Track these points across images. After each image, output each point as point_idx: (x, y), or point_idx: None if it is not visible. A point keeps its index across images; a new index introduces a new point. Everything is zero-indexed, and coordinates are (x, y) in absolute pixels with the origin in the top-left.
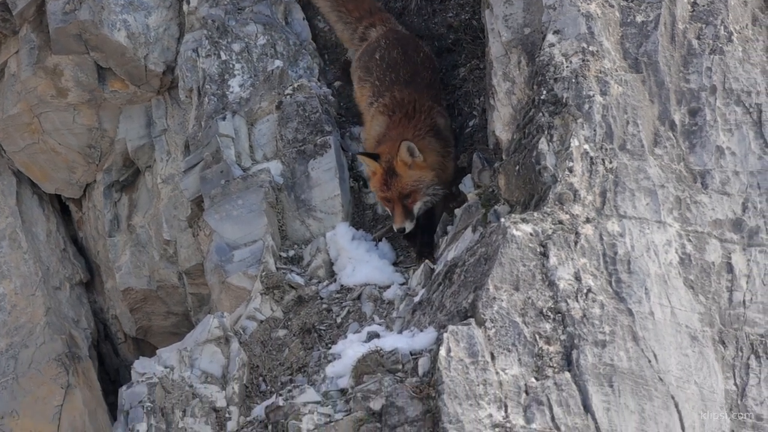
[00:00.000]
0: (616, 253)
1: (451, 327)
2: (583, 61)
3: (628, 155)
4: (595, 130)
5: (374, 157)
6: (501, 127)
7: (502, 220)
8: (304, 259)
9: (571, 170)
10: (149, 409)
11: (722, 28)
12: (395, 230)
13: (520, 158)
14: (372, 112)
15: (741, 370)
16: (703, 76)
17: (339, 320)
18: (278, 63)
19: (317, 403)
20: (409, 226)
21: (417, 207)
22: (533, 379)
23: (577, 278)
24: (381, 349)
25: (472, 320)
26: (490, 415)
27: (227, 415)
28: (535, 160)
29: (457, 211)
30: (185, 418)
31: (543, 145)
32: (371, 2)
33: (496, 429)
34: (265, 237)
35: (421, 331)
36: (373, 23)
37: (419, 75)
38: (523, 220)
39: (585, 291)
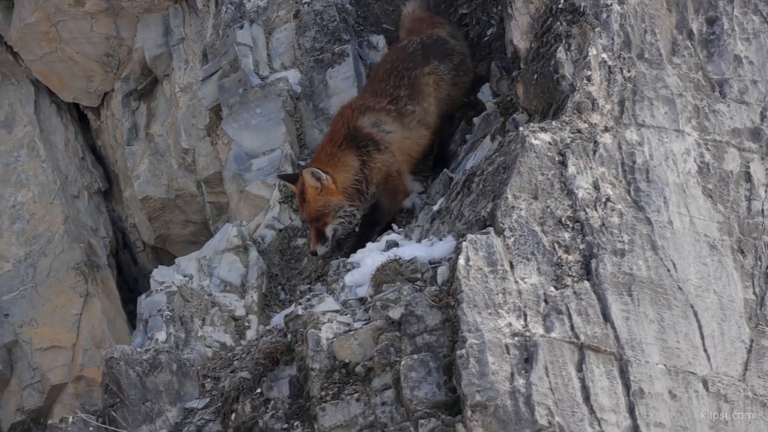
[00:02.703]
0: (634, 162)
1: (470, 236)
2: None
3: (646, 64)
4: (612, 39)
5: (294, 179)
6: (519, 35)
7: (521, 128)
8: None
9: (589, 79)
10: (168, 317)
11: None
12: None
13: (538, 67)
14: None
15: (760, 279)
16: None
17: (357, 228)
18: None
19: (336, 311)
20: (321, 250)
21: (329, 230)
22: (552, 288)
23: (596, 187)
24: (400, 258)
25: (491, 229)
26: (510, 324)
27: (246, 324)
28: (553, 68)
29: (476, 120)
30: (204, 326)
31: (561, 54)
32: (431, 19)
33: (516, 338)
34: (284, 146)
35: (440, 239)
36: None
37: (373, 78)
38: (542, 129)
39: (604, 200)
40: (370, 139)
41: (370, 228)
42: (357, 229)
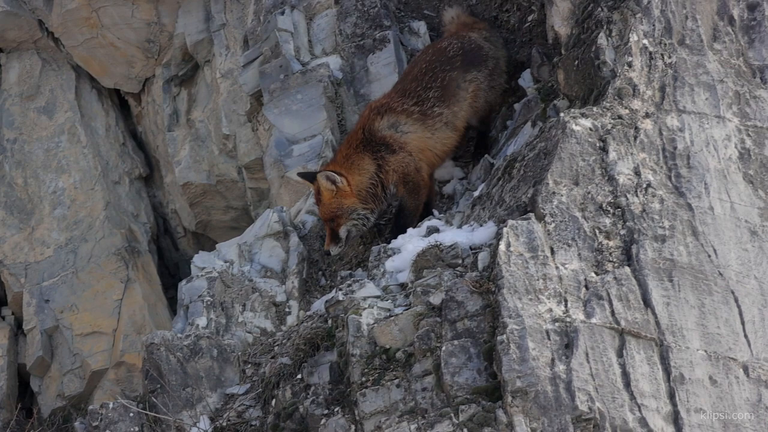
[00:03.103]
0: (675, 148)
1: (510, 221)
2: None
3: (687, 50)
4: (654, 25)
5: (312, 177)
6: (560, 21)
7: (562, 114)
8: None
9: (630, 65)
10: (209, 303)
11: None
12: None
13: (579, 53)
14: None
15: None
16: None
17: (383, 226)
18: None
19: (377, 297)
20: (334, 250)
21: (343, 231)
22: (593, 274)
23: (637, 173)
24: (440, 244)
25: (531, 215)
26: (550, 310)
27: (287, 310)
28: (594, 55)
29: (516, 106)
30: (245, 312)
31: (602, 40)
32: (473, 24)
33: (556, 323)
34: (324, 131)
35: (481, 225)
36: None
37: (405, 76)
38: (583, 115)
39: (644, 186)
40: (383, 143)
41: (399, 230)
42: (382, 228)
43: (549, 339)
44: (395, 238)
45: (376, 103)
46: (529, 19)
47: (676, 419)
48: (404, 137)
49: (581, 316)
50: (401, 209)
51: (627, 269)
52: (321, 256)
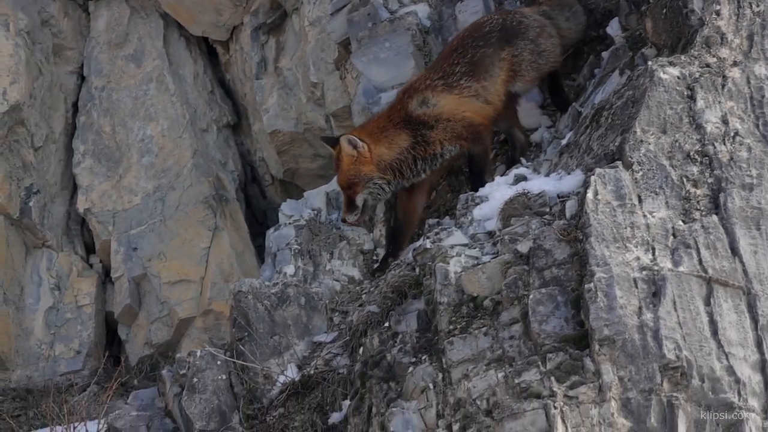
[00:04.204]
0: (763, 96)
1: (598, 169)
2: None
3: None
4: None
5: (334, 142)
6: None
7: (650, 63)
8: None
9: (718, 13)
10: (296, 251)
11: None
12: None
13: (667, 1)
14: None
15: None
16: None
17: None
18: None
19: (465, 245)
20: (350, 218)
21: (359, 199)
22: (680, 222)
23: (725, 121)
24: (528, 192)
25: (619, 163)
26: (638, 258)
27: (374, 258)
28: (682, 3)
29: (604, 54)
30: (332, 260)
31: None
32: None
33: (644, 272)
34: None
35: (569, 173)
36: None
37: (439, 55)
38: (671, 63)
39: (732, 134)
40: (420, 122)
41: (477, 177)
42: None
43: (636, 287)
44: (475, 189)
45: (405, 87)
46: None
47: (763, 368)
48: (436, 110)
49: (669, 265)
50: (471, 159)
51: (714, 217)
52: None
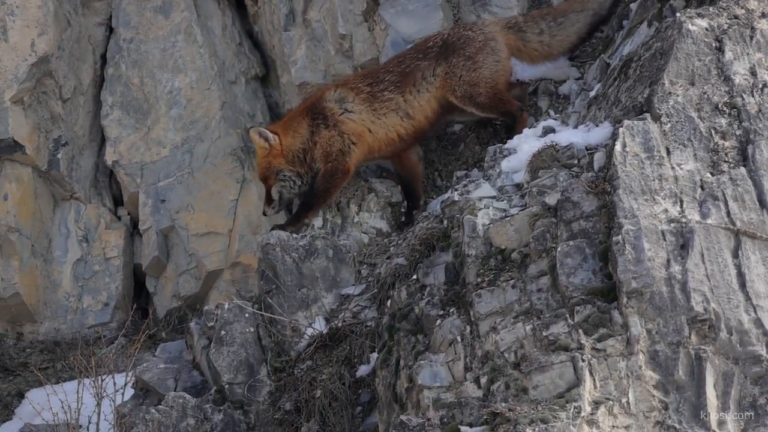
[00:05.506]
0: None
1: (626, 122)
2: None
3: None
4: None
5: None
6: None
7: (678, 14)
8: None
9: None
10: None
11: None
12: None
13: None
14: None
15: None
16: None
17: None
18: None
19: (493, 197)
20: (269, 211)
21: (275, 192)
22: (708, 174)
23: (753, 73)
24: (556, 144)
25: (647, 115)
26: (666, 210)
27: (402, 210)
28: None
29: (633, 6)
30: (360, 212)
31: None
32: None
33: (672, 224)
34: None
35: (597, 125)
36: None
37: (383, 63)
38: (699, 15)
39: (760, 86)
40: (323, 114)
41: (303, 207)
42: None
43: (664, 239)
44: (290, 218)
45: (340, 78)
46: None
47: None
48: (343, 116)
49: (697, 217)
50: (311, 188)
51: (743, 169)
52: (437, 155)
